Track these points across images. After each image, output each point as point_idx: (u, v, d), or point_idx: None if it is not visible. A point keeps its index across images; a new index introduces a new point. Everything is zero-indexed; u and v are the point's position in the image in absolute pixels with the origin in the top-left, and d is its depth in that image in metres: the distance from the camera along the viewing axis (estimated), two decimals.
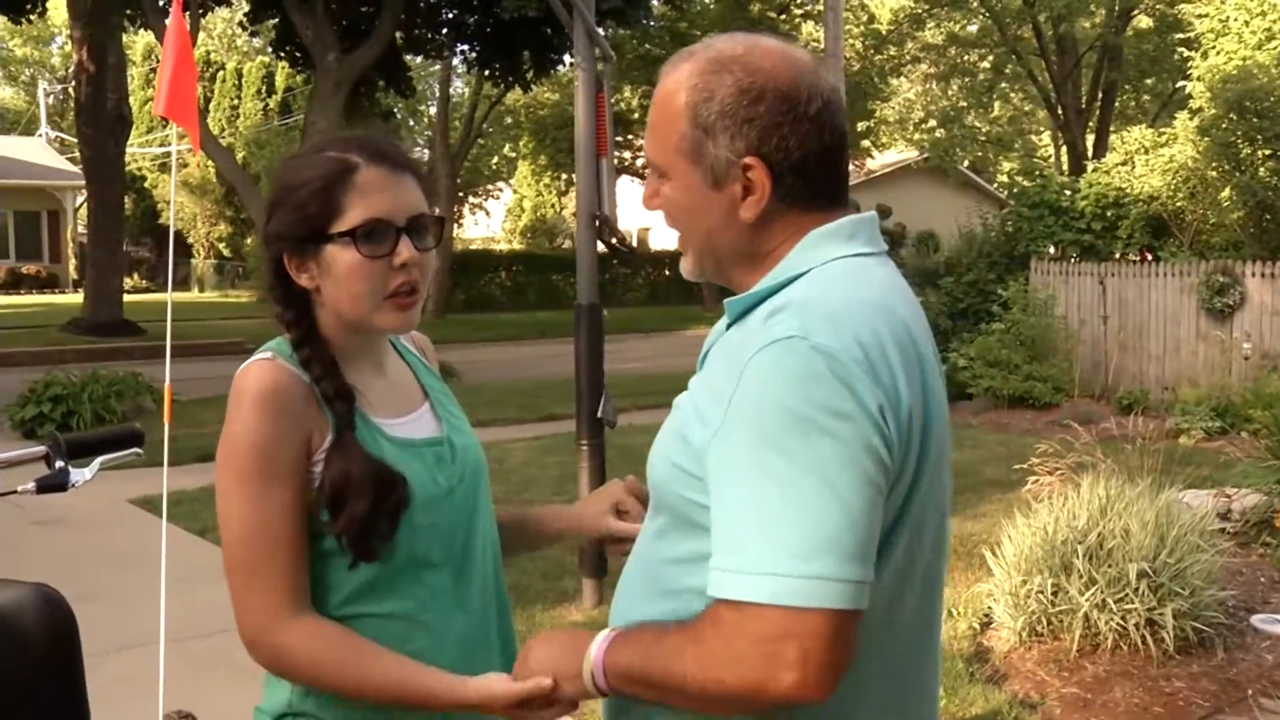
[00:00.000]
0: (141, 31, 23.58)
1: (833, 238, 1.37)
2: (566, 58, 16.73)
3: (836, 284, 1.32)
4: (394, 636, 1.57)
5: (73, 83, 23.32)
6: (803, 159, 1.34)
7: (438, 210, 1.75)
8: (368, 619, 1.58)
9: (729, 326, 1.42)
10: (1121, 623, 4.54)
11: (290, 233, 1.58)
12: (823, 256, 1.36)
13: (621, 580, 1.50)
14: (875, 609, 1.23)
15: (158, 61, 41.86)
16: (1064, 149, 31.20)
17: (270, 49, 19.85)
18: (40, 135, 43.28)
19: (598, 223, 5.11)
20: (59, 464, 1.82)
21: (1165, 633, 4.48)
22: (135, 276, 35.27)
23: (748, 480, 1.21)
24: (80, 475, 1.81)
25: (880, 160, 35.22)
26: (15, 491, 1.78)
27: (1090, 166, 15.12)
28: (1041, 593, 4.76)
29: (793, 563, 1.17)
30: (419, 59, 23.76)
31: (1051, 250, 13.92)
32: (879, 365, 1.24)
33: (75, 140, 26.62)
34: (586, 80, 5.16)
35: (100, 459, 1.93)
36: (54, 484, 1.78)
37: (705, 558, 1.26)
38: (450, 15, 15.27)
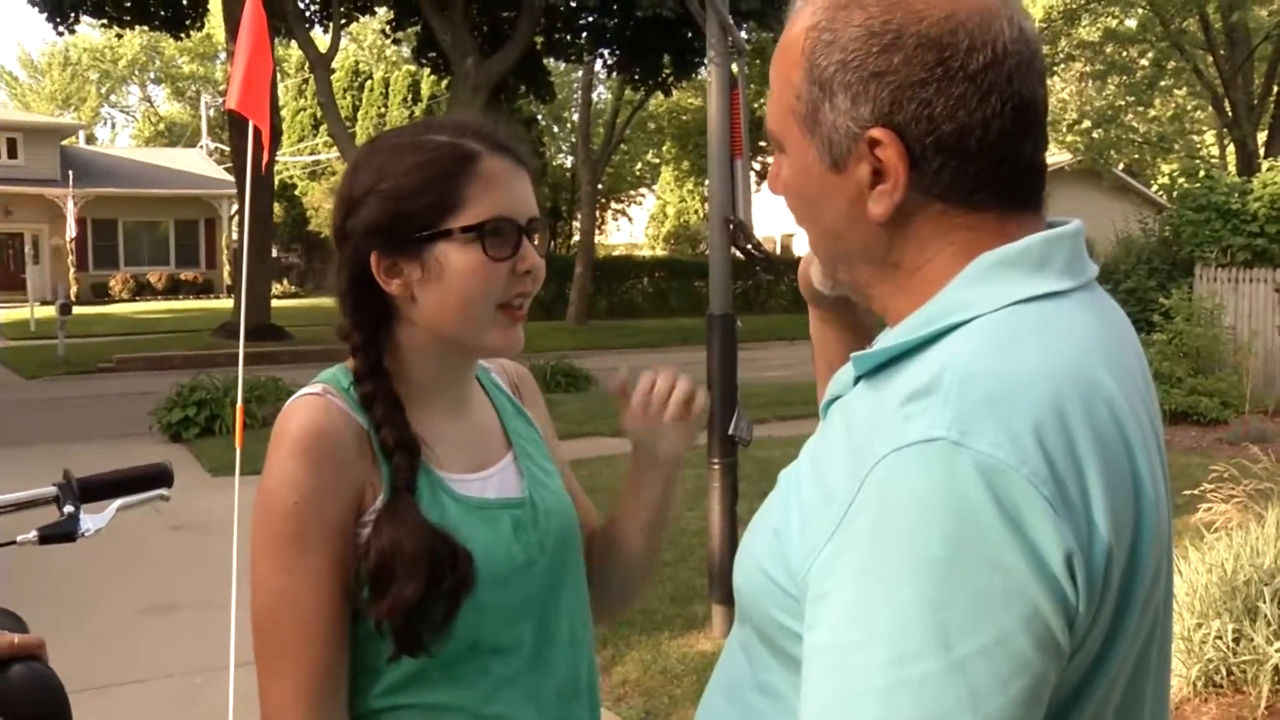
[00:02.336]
0: (293, 44, 24.25)
1: (1012, 267, 0.95)
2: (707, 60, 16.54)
3: (1010, 346, 0.90)
4: None
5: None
6: (956, 135, 0.93)
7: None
8: (411, 710, 1.30)
9: (857, 380, 1.01)
10: None
11: (390, 227, 1.30)
12: (996, 298, 0.93)
13: (707, 692, 1.16)
14: None
15: (310, 73, 43.32)
16: (1230, 148, 29.62)
17: (412, 55, 20.13)
18: (201, 146, 45.07)
19: (731, 227, 4.81)
20: (69, 508, 1.59)
21: None
22: (284, 282, 36.36)
23: (851, 637, 0.84)
24: (92, 523, 1.58)
25: None
26: (14, 542, 1.57)
27: (1265, 165, 14.18)
28: (1220, 638, 4.27)
29: None
30: (560, 64, 23.84)
31: (1218, 255, 13.08)
32: (1068, 482, 0.83)
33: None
34: (720, 76, 4.87)
35: (118, 502, 1.70)
36: (59, 533, 1.56)
37: (793, 695, 0.92)
38: (589, 19, 15.17)
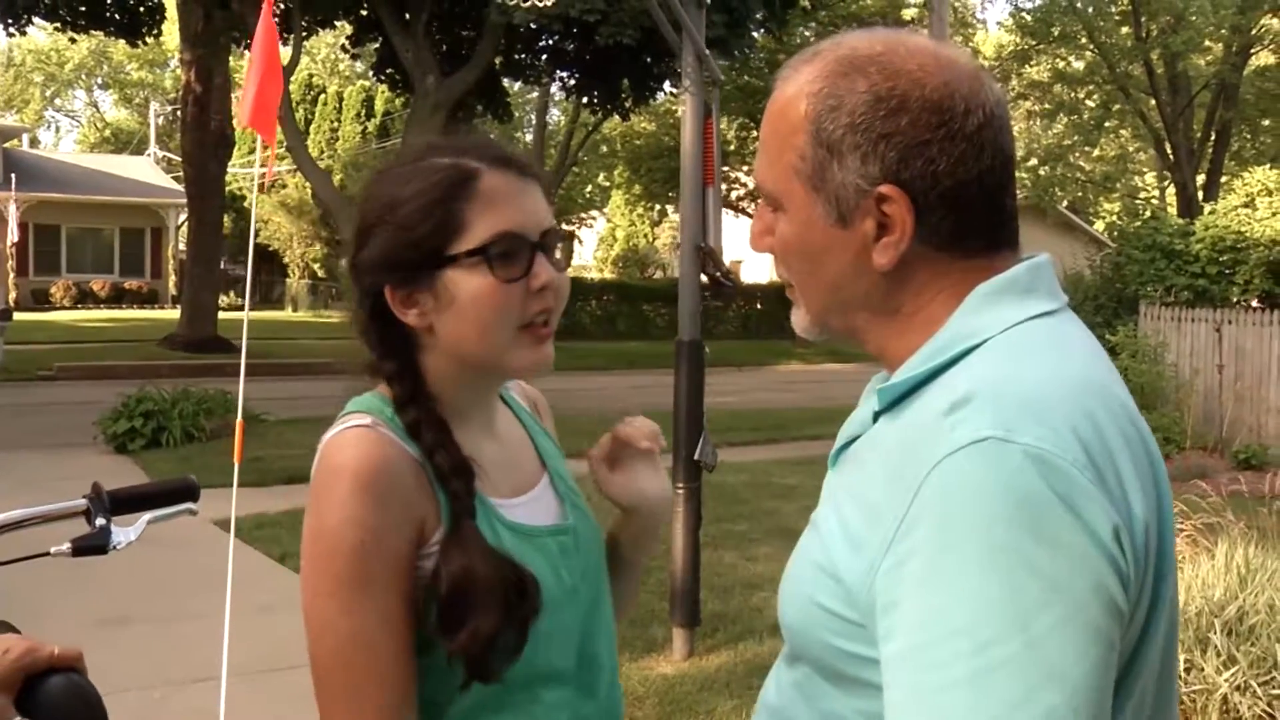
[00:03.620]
0: (247, 54, 24.08)
1: (1005, 293, 1.04)
2: (667, 86, 16.62)
3: (1028, 358, 0.99)
4: None
5: (180, 104, 23.82)
6: (956, 189, 1.02)
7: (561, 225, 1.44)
8: None
9: (877, 417, 1.08)
10: (1269, 710, 4.13)
11: (397, 259, 1.27)
12: (999, 321, 1.02)
13: None
14: None
15: None
16: (1170, 190, 30.31)
17: (371, 72, 20.07)
18: (149, 154, 44.50)
19: (702, 254, 4.86)
20: (100, 521, 1.59)
21: None
22: (232, 294, 35.95)
23: (929, 636, 0.89)
24: (123, 535, 1.57)
25: None
26: (49, 553, 1.56)
27: (1207, 209, 14.54)
28: None
29: None
30: (517, 84, 23.87)
31: (1162, 295, 13.37)
32: (1106, 470, 0.92)
33: (180, 159, 27.26)
34: (695, 105, 4.93)
35: (148, 516, 1.69)
36: (92, 546, 1.55)
37: (856, 717, 0.97)
38: (550, 41, 15.23)
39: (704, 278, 5.23)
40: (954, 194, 1.03)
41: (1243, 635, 4.29)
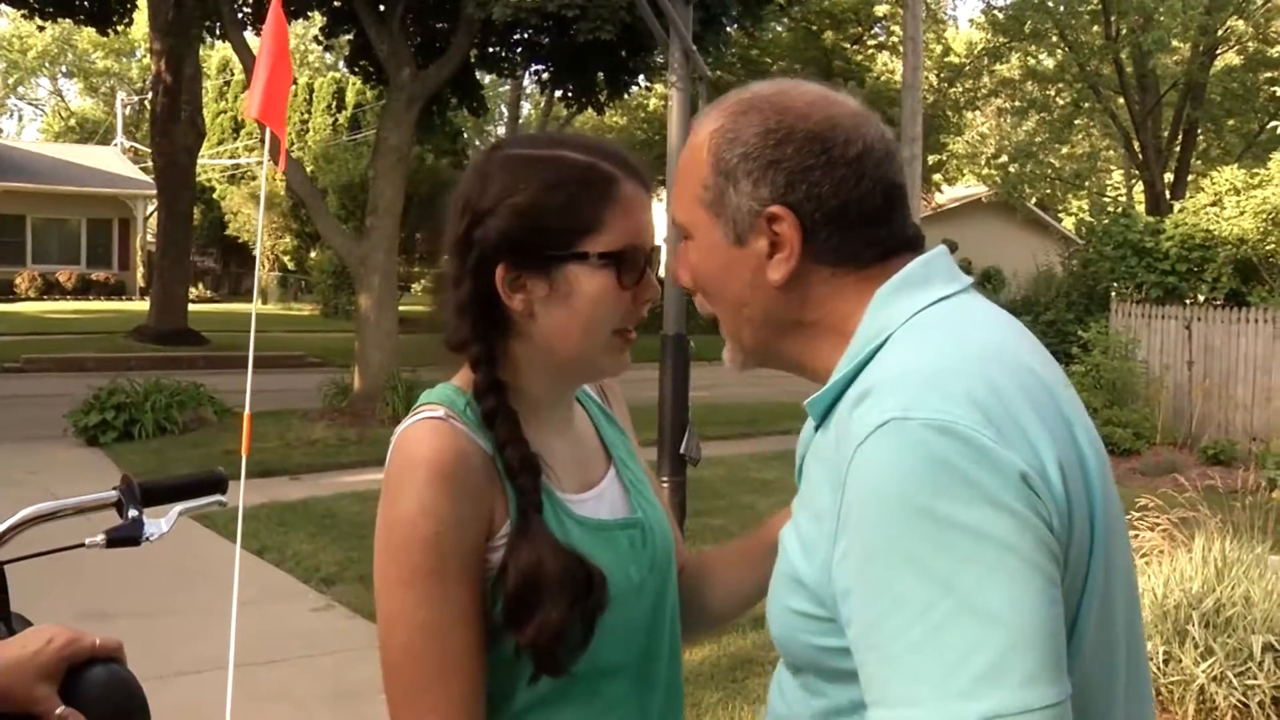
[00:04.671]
0: (217, 45, 23.88)
1: (904, 289, 1.13)
2: (641, 79, 16.60)
3: (925, 341, 1.07)
4: None
5: (149, 94, 23.60)
6: (839, 208, 1.12)
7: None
8: None
9: (816, 429, 1.16)
10: (1244, 699, 4.21)
11: (524, 241, 1.28)
12: (900, 314, 1.11)
13: None
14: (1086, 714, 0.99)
15: (232, 75, 42.50)
16: (1138, 188, 30.60)
17: (344, 64, 19.95)
18: (116, 144, 44.04)
19: None
20: (132, 513, 1.59)
21: None
22: (200, 286, 35.67)
23: (880, 610, 0.96)
24: (156, 527, 1.57)
25: (947, 195, 34.78)
26: (83, 544, 1.56)
27: (1177, 207, 14.71)
28: (1151, 659, 4.43)
29: (960, 703, 0.91)
30: (489, 77, 23.77)
31: (1133, 292, 13.52)
32: (1005, 426, 0.98)
33: (149, 150, 26.99)
34: (682, 101, 4.94)
35: (179, 507, 1.69)
36: (126, 537, 1.55)
37: (856, 707, 1.02)
38: (525, 35, 15.17)
39: None
40: (838, 213, 1.13)
41: (1219, 627, 4.36)
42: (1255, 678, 4.19)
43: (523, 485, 1.28)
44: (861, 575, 0.98)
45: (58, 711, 1.31)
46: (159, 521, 1.60)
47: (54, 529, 1.62)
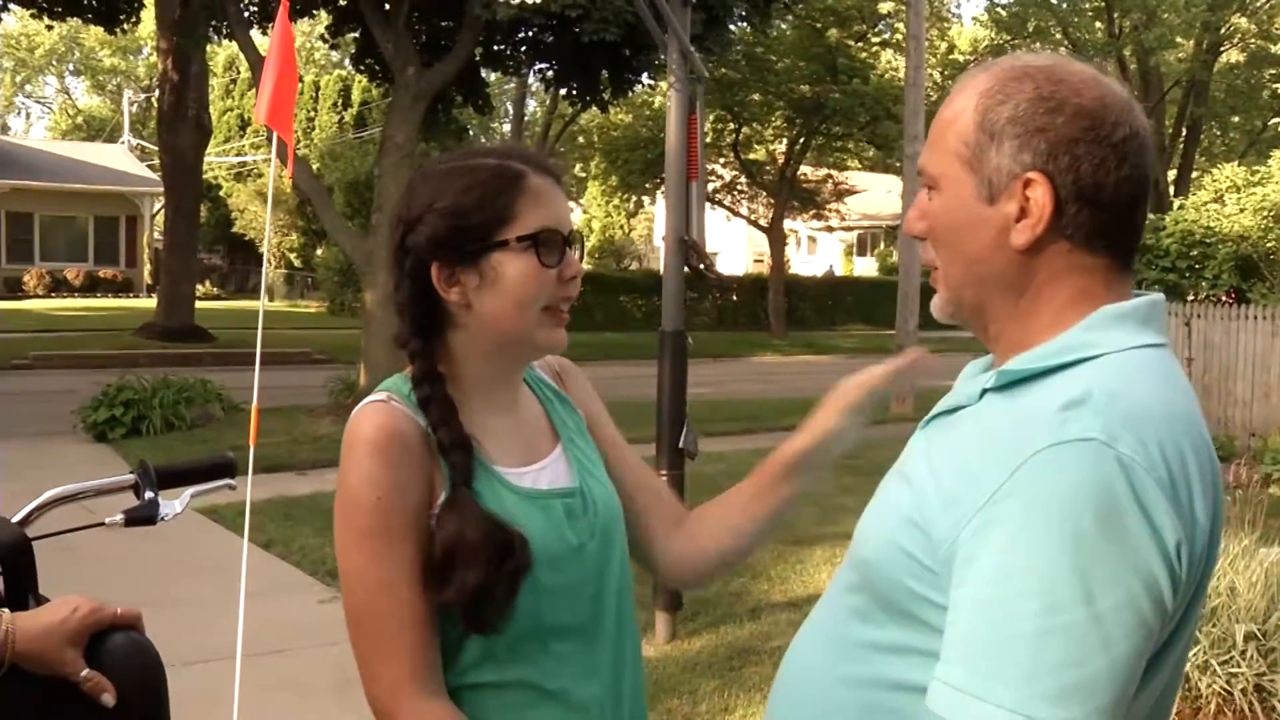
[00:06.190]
0: (224, 43, 23.99)
1: (1127, 320, 1.18)
2: (645, 78, 16.67)
3: (1140, 381, 1.12)
4: (515, 706, 1.43)
5: (156, 92, 23.75)
6: (1094, 187, 1.16)
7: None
8: (488, 689, 1.43)
9: (984, 394, 1.22)
10: (1226, 687, 4.30)
11: (450, 239, 1.44)
12: (1118, 341, 1.16)
13: (799, 651, 1.34)
14: None
15: (239, 73, 42.57)
16: None
17: (350, 62, 20.06)
18: (123, 142, 44.20)
19: (686, 247, 4.97)
20: (148, 494, 1.71)
21: (1277, 700, 4.23)
22: (207, 284, 35.82)
23: (1005, 591, 1.04)
24: (170, 508, 1.70)
25: None
26: (103, 524, 1.68)
27: (1176, 204, 14.77)
28: None
29: (1040, 704, 1.00)
30: (494, 75, 23.86)
31: (1134, 289, 13.59)
32: (1181, 490, 1.06)
33: (156, 148, 27.12)
34: (680, 101, 5.04)
35: (191, 490, 1.82)
36: (143, 517, 1.67)
37: (918, 653, 1.11)
38: (530, 33, 15.26)
39: (687, 269, 5.35)
40: (1092, 193, 1.16)
41: (1205, 617, 4.44)
42: (1238, 666, 4.28)
43: (453, 461, 1.42)
44: (1001, 554, 1.04)
45: (83, 673, 1.43)
46: (173, 503, 1.72)
47: (75, 512, 1.73)
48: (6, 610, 1.44)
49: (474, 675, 1.43)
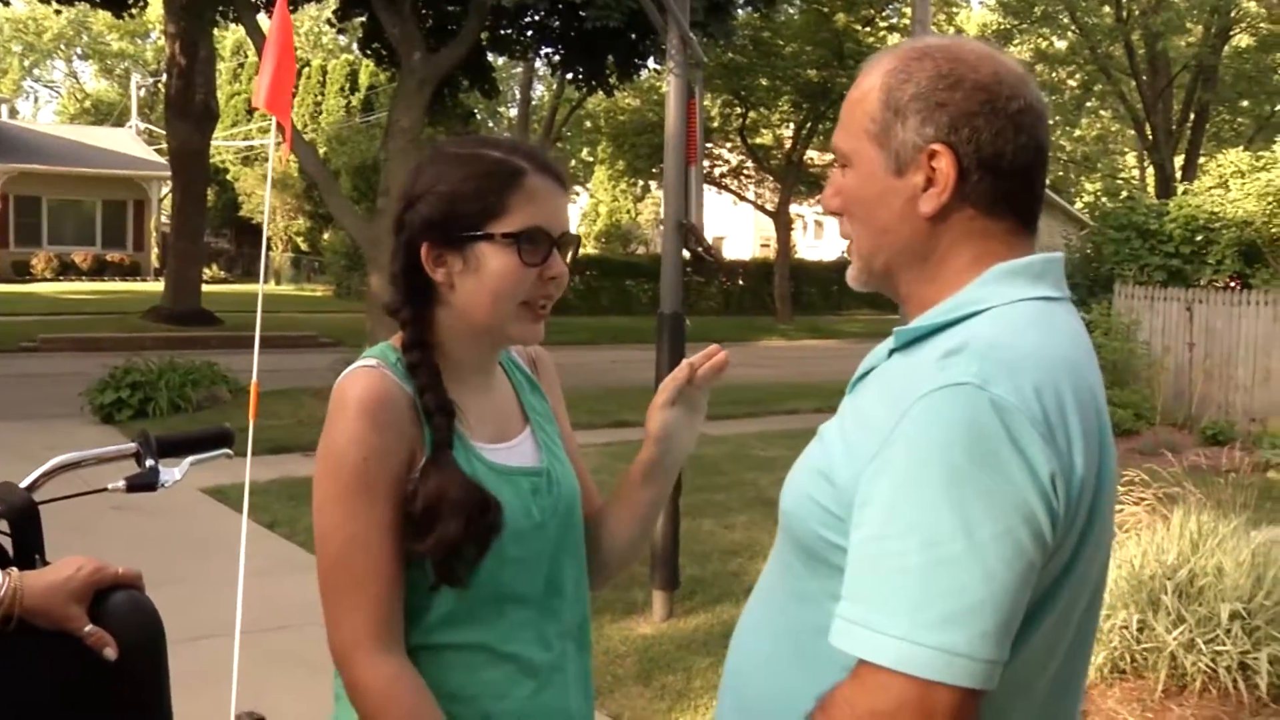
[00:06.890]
0: (232, 27, 24.02)
1: (1019, 275, 1.27)
2: (651, 62, 16.71)
3: (1022, 330, 1.21)
4: (472, 666, 1.53)
5: (164, 76, 23.80)
6: (994, 156, 1.25)
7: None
8: (448, 650, 1.52)
9: (891, 353, 1.31)
10: (1211, 665, 4.37)
11: (441, 223, 1.51)
12: (1007, 295, 1.25)
13: (748, 610, 1.43)
14: (1009, 686, 1.14)
15: (246, 57, 42.57)
16: (1150, 170, 30.57)
17: (357, 47, 20.10)
18: (130, 126, 44.28)
19: (684, 231, 5.03)
20: (149, 462, 1.80)
21: (1259, 678, 4.30)
22: (214, 267, 35.93)
23: (891, 529, 1.12)
24: (170, 475, 1.78)
25: None
26: (105, 489, 1.76)
27: (1180, 189, 14.78)
28: (1126, 628, 4.59)
29: (925, 630, 1.08)
30: (502, 60, 23.90)
31: (1136, 274, 13.61)
32: (1057, 428, 1.13)
33: (163, 132, 27.18)
34: (679, 86, 5.09)
35: (190, 459, 1.91)
36: (144, 483, 1.76)
37: (835, 598, 1.18)
38: (535, 18, 15.30)
39: (686, 253, 5.41)
40: (992, 161, 1.25)
41: (1192, 596, 4.52)
42: (1223, 644, 4.35)
43: (437, 424, 1.50)
44: (888, 495, 1.12)
45: (87, 629, 1.52)
46: (173, 470, 1.80)
47: (80, 482, 1.81)
48: (14, 568, 1.52)
49: (436, 636, 1.52)
